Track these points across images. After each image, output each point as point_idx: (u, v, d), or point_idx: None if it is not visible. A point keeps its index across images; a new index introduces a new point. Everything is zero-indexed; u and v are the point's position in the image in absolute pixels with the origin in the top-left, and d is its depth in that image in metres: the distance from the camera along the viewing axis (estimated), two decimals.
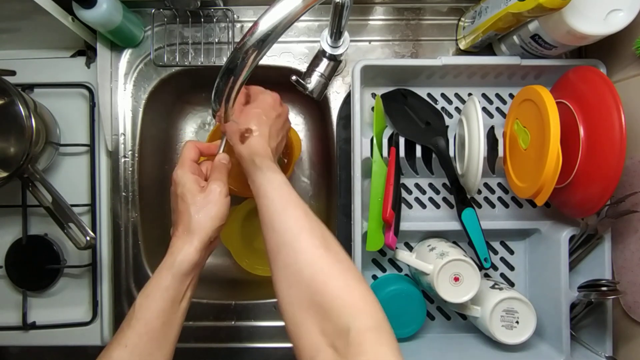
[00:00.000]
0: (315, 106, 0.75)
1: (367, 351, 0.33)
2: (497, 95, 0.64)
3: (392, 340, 0.35)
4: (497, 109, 0.64)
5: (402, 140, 0.60)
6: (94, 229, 0.65)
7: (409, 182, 0.65)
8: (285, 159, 0.68)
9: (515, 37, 0.58)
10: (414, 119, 0.61)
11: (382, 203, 0.58)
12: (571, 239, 0.57)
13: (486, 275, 0.65)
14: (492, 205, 0.64)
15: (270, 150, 0.48)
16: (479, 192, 0.64)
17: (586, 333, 0.61)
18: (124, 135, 0.66)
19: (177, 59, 0.66)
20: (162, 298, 0.42)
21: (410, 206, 0.65)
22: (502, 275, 0.65)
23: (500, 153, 0.59)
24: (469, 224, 0.59)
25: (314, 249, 0.38)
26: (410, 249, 0.64)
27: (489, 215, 0.64)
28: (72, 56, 0.66)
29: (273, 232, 0.41)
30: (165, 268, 0.43)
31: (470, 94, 0.64)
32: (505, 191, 0.64)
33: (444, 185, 0.64)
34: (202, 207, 0.45)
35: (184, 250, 0.43)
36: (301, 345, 0.36)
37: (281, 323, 0.65)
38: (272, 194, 0.43)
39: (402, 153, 0.60)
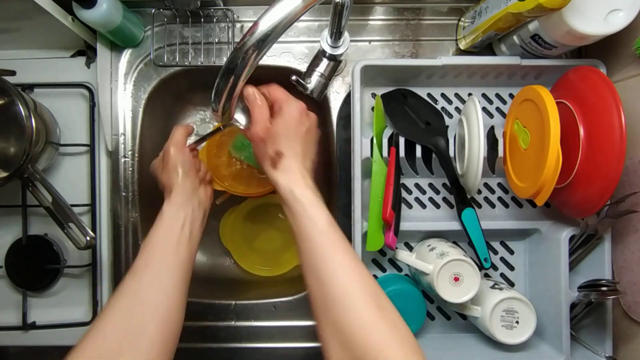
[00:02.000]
0: (315, 106, 0.74)
1: None
2: (497, 95, 0.64)
3: None
4: (497, 109, 0.64)
5: (402, 140, 0.60)
6: (94, 229, 0.65)
7: (409, 182, 0.65)
8: None
9: (515, 37, 0.58)
10: (414, 119, 0.61)
11: (382, 203, 0.58)
12: (571, 239, 0.57)
13: (486, 275, 0.65)
14: (492, 205, 0.64)
15: (308, 173, 0.45)
16: (479, 192, 0.64)
17: (586, 333, 0.61)
18: (124, 135, 0.66)
19: (177, 59, 0.66)
20: (157, 232, 0.46)
21: (410, 206, 0.65)
22: (502, 275, 0.65)
23: (500, 153, 0.59)
24: (469, 224, 0.59)
25: (368, 310, 0.36)
26: (410, 249, 0.64)
27: (489, 215, 0.64)
28: (72, 56, 0.66)
29: (319, 283, 0.39)
30: (157, 219, 0.47)
31: (470, 94, 0.64)
32: (505, 191, 0.64)
33: (444, 185, 0.64)
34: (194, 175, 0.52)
35: (166, 201, 0.49)
36: None
37: (281, 323, 0.65)
38: (317, 238, 0.40)
39: (402, 153, 0.60)
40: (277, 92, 0.49)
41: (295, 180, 0.44)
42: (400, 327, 0.36)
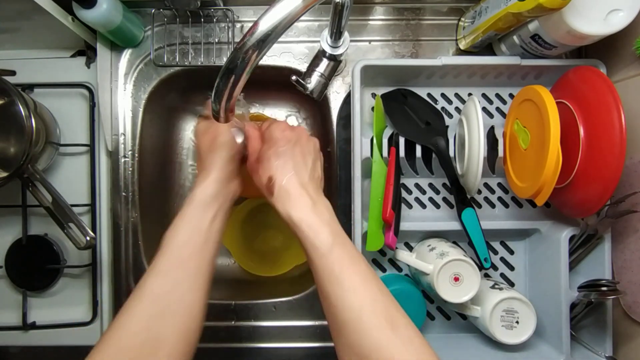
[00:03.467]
0: (315, 106, 0.75)
1: None
2: (497, 95, 0.64)
3: None
4: (497, 109, 0.64)
5: (402, 140, 0.60)
6: (94, 229, 0.65)
7: (409, 182, 0.65)
8: None
9: (515, 37, 0.58)
10: (414, 119, 0.61)
11: (382, 203, 0.58)
12: (571, 239, 0.57)
13: (486, 275, 0.65)
14: (492, 205, 0.64)
15: (307, 187, 0.44)
16: (479, 192, 0.64)
17: (586, 333, 0.61)
18: (124, 135, 0.66)
19: (177, 59, 0.66)
20: (186, 228, 0.43)
21: (410, 206, 0.65)
22: (502, 275, 0.65)
23: (500, 153, 0.59)
24: (469, 224, 0.59)
25: (380, 330, 0.35)
26: (410, 249, 0.64)
27: (489, 215, 0.64)
28: (72, 56, 0.66)
29: (329, 306, 0.38)
30: (187, 203, 0.45)
31: (470, 94, 0.64)
32: (505, 191, 0.64)
33: (444, 185, 0.64)
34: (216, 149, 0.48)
35: (202, 183, 0.46)
36: None
37: (281, 323, 0.65)
38: (319, 262, 0.39)
39: (402, 153, 0.60)
40: (265, 123, 0.50)
41: (290, 204, 0.42)
42: (417, 343, 0.36)
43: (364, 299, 0.37)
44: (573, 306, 0.58)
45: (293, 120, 0.79)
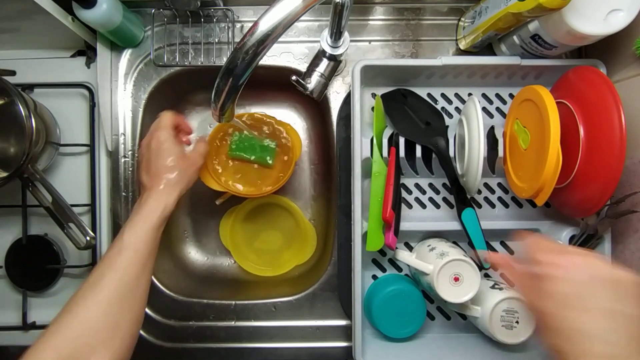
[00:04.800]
0: (315, 106, 0.75)
1: None
2: (497, 95, 0.64)
3: None
4: (497, 109, 0.64)
5: (402, 140, 0.60)
6: (94, 229, 0.65)
7: (409, 182, 0.65)
8: (285, 156, 0.68)
9: (515, 37, 0.58)
10: (414, 119, 0.61)
11: (382, 203, 0.58)
12: (571, 239, 0.57)
13: (486, 275, 0.65)
14: (492, 205, 0.64)
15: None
16: (479, 192, 0.64)
17: None
18: (124, 135, 0.66)
19: (177, 59, 0.66)
20: (149, 234, 0.48)
21: (410, 206, 0.65)
22: (502, 275, 0.65)
23: (500, 153, 0.59)
24: (469, 224, 0.59)
25: None
26: (410, 249, 0.64)
27: (489, 215, 0.64)
28: (72, 56, 0.66)
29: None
30: (153, 211, 0.49)
31: (470, 94, 0.64)
32: (505, 191, 0.64)
33: (444, 185, 0.64)
34: (185, 170, 0.54)
35: (168, 200, 0.51)
36: None
37: (281, 323, 0.65)
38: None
39: (402, 153, 0.60)
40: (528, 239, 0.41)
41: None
42: None
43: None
44: None
45: (292, 120, 0.79)
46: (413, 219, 0.63)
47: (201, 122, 0.78)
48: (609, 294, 0.31)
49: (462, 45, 0.64)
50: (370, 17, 0.66)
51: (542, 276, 0.33)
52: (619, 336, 0.29)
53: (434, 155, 0.60)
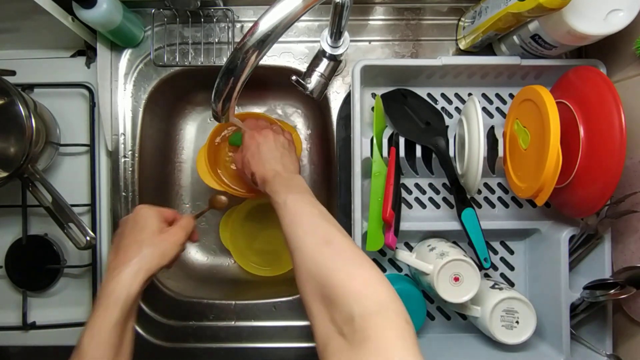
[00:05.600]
0: (315, 106, 0.75)
1: (371, 337, 0.33)
2: (497, 95, 0.64)
3: (399, 323, 0.34)
4: (497, 109, 0.64)
5: (402, 140, 0.60)
6: (94, 229, 0.65)
7: (409, 182, 0.65)
8: None
9: (515, 37, 0.58)
10: (414, 119, 0.61)
11: (382, 203, 0.58)
12: (571, 239, 0.57)
13: (486, 275, 0.65)
14: (492, 205, 0.64)
15: (274, 174, 0.53)
16: (479, 192, 0.64)
17: (586, 331, 0.61)
18: (124, 135, 0.66)
19: (177, 59, 0.66)
20: (111, 334, 0.41)
21: (410, 206, 0.65)
22: (502, 275, 0.65)
23: (500, 153, 0.59)
24: (469, 224, 0.59)
25: (316, 247, 0.41)
26: (410, 249, 0.64)
27: (489, 215, 0.64)
28: (72, 56, 0.66)
29: (288, 242, 0.45)
30: (114, 302, 0.41)
31: (470, 94, 0.64)
32: (505, 191, 0.64)
33: (444, 185, 0.64)
34: (157, 245, 0.46)
35: (132, 284, 0.43)
36: (316, 334, 0.38)
37: (281, 323, 0.65)
38: (278, 214, 0.48)
39: (402, 153, 0.60)
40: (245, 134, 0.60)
41: (267, 184, 0.52)
42: (348, 252, 0.41)
43: (307, 229, 0.44)
44: (573, 306, 0.58)
45: (292, 120, 0.79)
46: (413, 219, 0.63)
47: (201, 122, 0.78)
48: (277, 144, 0.58)
49: (462, 45, 0.64)
50: (370, 17, 0.66)
51: (253, 136, 0.58)
52: (283, 162, 0.55)
53: (434, 155, 0.60)
